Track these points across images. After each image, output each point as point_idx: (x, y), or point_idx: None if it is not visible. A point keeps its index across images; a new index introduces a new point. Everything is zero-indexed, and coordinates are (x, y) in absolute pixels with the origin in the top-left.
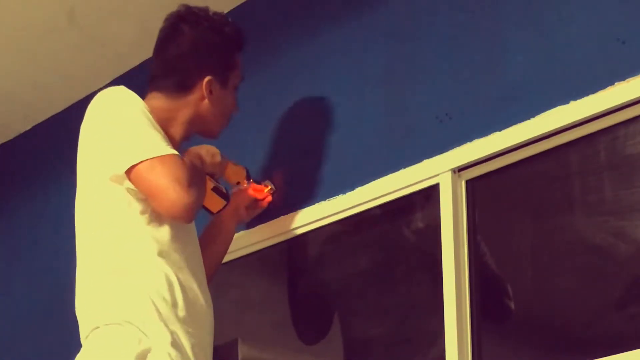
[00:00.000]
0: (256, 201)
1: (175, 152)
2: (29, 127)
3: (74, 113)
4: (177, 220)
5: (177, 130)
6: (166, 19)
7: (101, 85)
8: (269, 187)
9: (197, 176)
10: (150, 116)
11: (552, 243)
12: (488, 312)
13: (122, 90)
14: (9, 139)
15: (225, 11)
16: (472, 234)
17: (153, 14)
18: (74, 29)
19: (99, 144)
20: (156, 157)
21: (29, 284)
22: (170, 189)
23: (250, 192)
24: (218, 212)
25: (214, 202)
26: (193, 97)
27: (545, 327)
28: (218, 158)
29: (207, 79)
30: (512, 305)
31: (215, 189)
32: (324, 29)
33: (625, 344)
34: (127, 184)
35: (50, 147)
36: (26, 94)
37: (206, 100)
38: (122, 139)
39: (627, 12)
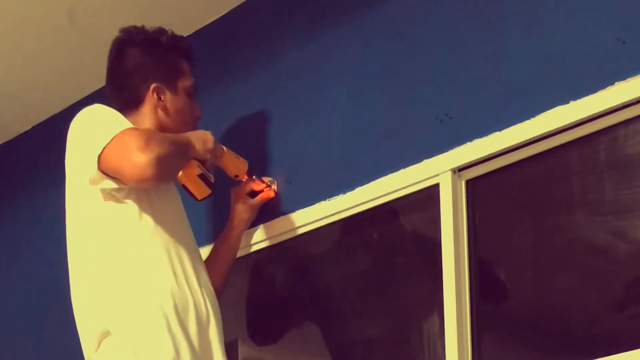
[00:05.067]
0: (256, 199)
1: (127, 125)
2: (29, 127)
3: (74, 113)
4: (149, 182)
5: None
6: (111, 46)
7: (101, 86)
8: (269, 184)
9: (155, 136)
10: (123, 118)
11: (552, 243)
12: (488, 312)
13: (98, 107)
14: (9, 139)
15: (225, 11)
16: (472, 234)
17: (153, 14)
18: (74, 29)
19: (76, 159)
20: (109, 141)
21: (28, 284)
22: (129, 155)
23: (249, 188)
24: (202, 199)
25: (200, 189)
26: (147, 108)
27: (545, 327)
28: (210, 145)
29: (153, 85)
30: (512, 305)
31: (202, 177)
32: (324, 29)
33: (625, 344)
34: (105, 183)
35: (50, 147)
36: (26, 94)
37: (160, 110)
38: (86, 146)
39: (627, 12)
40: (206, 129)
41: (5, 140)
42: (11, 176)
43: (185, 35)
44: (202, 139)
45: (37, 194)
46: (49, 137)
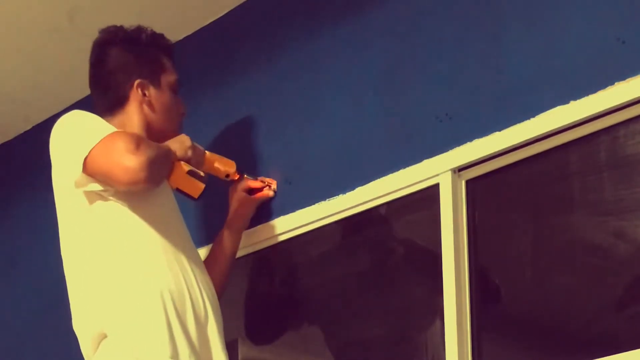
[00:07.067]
0: (254, 196)
1: (112, 129)
2: (29, 127)
3: None
4: (140, 185)
5: None
6: (91, 48)
7: None
8: (268, 183)
9: (143, 139)
10: (105, 122)
11: (552, 243)
12: (488, 312)
13: (77, 112)
14: (9, 139)
15: (226, 11)
16: (472, 234)
17: (153, 14)
18: (74, 29)
19: (60, 164)
20: (96, 144)
21: (29, 285)
22: (120, 158)
23: (246, 186)
24: (199, 196)
25: (193, 187)
26: (132, 105)
27: (545, 327)
28: (188, 143)
29: (137, 82)
30: (512, 305)
31: (191, 173)
32: (323, 29)
33: (625, 344)
34: (91, 186)
35: None
36: (26, 94)
37: (145, 105)
38: (70, 149)
39: (627, 12)
40: (205, 129)
41: (5, 140)
42: (11, 176)
43: (185, 35)
44: (178, 141)
45: (37, 194)
46: (49, 137)
